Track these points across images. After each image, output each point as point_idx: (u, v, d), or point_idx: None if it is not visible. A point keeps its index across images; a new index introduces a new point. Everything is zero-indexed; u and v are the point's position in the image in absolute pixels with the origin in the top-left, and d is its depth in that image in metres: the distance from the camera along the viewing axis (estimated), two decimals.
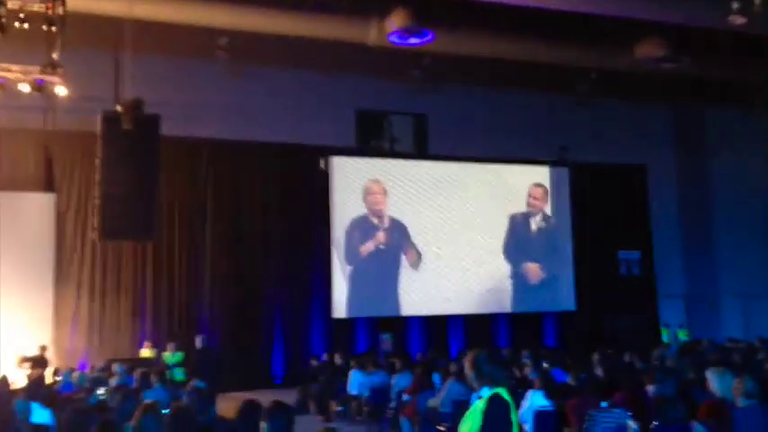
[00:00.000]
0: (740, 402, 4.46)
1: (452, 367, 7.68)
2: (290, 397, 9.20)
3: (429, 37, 11.72)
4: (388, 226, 13.28)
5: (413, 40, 11.73)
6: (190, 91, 12.50)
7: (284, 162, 12.99)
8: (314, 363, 11.16)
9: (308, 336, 12.69)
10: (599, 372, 7.58)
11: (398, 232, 13.34)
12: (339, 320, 12.86)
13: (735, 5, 10.76)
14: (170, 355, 10.86)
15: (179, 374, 10.35)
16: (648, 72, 13.45)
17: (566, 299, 14.43)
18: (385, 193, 13.35)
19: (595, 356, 8.47)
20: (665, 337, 14.69)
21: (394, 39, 11.65)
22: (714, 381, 4.70)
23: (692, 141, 16.76)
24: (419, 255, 13.40)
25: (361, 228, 13.14)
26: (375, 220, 13.27)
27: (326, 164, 13.09)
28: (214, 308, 12.31)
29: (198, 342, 10.96)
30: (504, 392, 3.20)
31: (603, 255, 14.94)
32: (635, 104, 15.85)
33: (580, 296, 14.50)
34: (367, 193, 13.29)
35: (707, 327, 15.60)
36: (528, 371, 7.97)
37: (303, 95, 13.47)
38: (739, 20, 10.80)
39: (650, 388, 6.02)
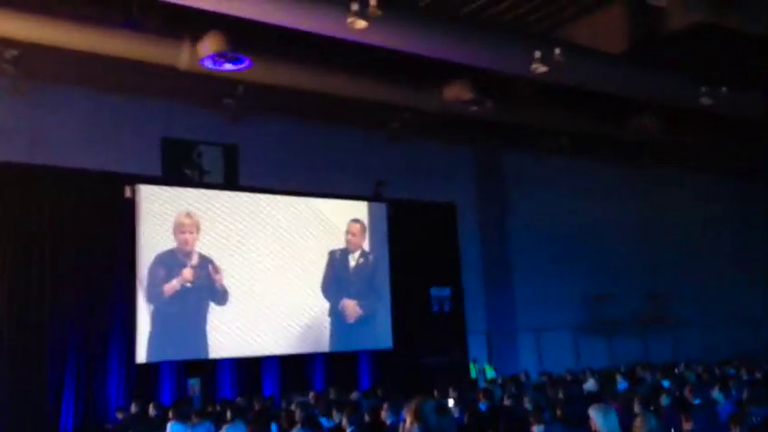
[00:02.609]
0: None
1: (298, 414, 7.04)
2: None
3: (245, 64, 11.25)
4: (196, 263, 12.35)
5: (227, 66, 11.20)
6: None
7: (84, 190, 11.63)
8: (121, 415, 9.82)
9: (106, 384, 11.26)
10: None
11: (207, 269, 12.44)
12: (142, 366, 11.63)
13: (537, 54, 11.44)
14: None
15: None
16: (455, 113, 13.95)
17: (383, 337, 14.24)
18: (198, 227, 12.43)
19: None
20: (472, 372, 15.01)
21: (207, 63, 11.05)
22: (598, 419, 4.47)
23: (492, 182, 17.54)
24: (227, 293, 12.57)
25: (167, 264, 12.08)
26: (182, 256, 12.30)
27: (133, 192, 11.93)
28: None
29: None
30: None
31: (418, 292, 14.99)
32: (443, 144, 16.36)
33: (397, 334, 14.41)
34: (178, 226, 12.28)
35: (507, 361, 16.27)
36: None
37: (105, 119, 12.36)
38: (541, 68, 11.48)
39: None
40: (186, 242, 12.33)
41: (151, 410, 9.31)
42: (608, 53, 12.32)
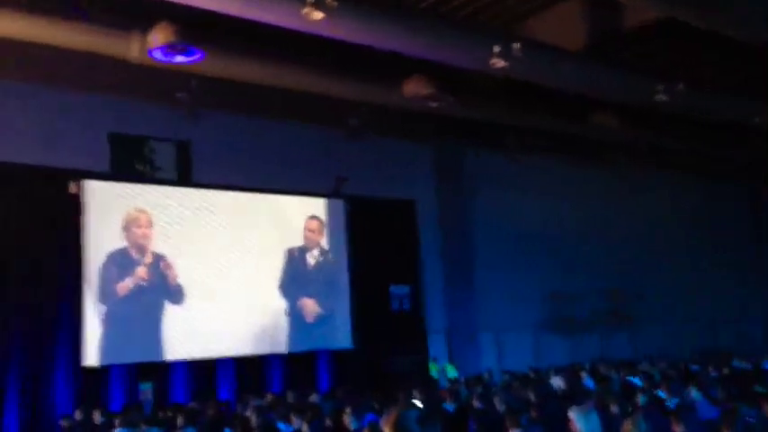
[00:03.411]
0: None
1: (254, 419, 6.73)
2: None
3: (198, 56, 10.84)
4: (150, 261, 11.92)
5: (179, 59, 10.78)
6: None
7: (25, 186, 11.16)
8: (64, 423, 9.31)
9: (50, 389, 10.78)
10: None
11: (161, 267, 12.03)
12: (90, 369, 11.17)
13: (496, 49, 11.29)
14: None
15: None
16: (415, 110, 13.76)
17: (342, 336, 13.98)
18: (150, 223, 11.99)
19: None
20: (433, 372, 14.85)
21: (157, 55, 10.64)
22: (579, 421, 4.26)
23: (453, 179, 17.39)
24: (182, 292, 12.16)
25: (119, 263, 11.64)
26: (136, 254, 11.86)
27: (79, 188, 11.46)
28: None
29: None
30: None
31: (377, 289, 14.79)
32: (403, 141, 16.18)
33: (357, 333, 14.15)
34: (131, 223, 11.86)
35: (468, 360, 16.15)
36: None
37: (52, 114, 11.87)
38: (500, 63, 11.33)
39: None
40: (139, 237, 11.90)
41: (97, 417, 8.89)
42: (567, 49, 12.26)
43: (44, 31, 10.10)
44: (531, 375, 11.39)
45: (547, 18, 12.53)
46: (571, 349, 17.89)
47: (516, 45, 11.16)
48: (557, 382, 10.51)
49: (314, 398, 9.58)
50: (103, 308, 11.41)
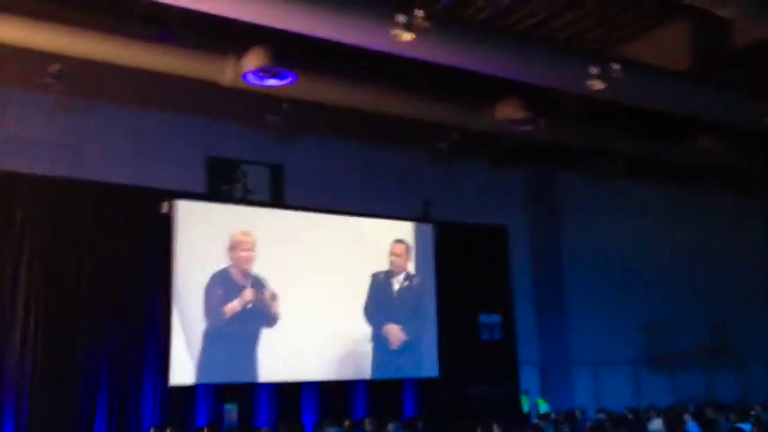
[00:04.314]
0: None
1: None
2: None
3: (289, 79, 10.96)
4: (252, 283, 12.08)
5: (271, 82, 10.93)
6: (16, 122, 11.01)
7: (120, 205, 11.45)
8: None
9: (137, 406, 10.89)
10: None
11: (261, 290, 12.16)
12: (177, 388, 11.26)
13: (593, 70, 10.88)
14: None
15: None
16: (507, 134, 13.46)
17: (429, 365, 13.62)
18: (254, 246, 12.19)
19: None
20: (525, 406, 14.28)
21: (250, 78, 10.80)
22: None
23: (544, 205, 16.91)
24: (277, 314, 12.25)
25: (223, 284, 11.86)
26: (239, 276, 12.05)
27: (170, 208, 11.69)
28: (24, 372, 10.31)
29: None
30: None
31: (466, 318, 14.39)
32: (493, 165, 15.82)
33: (443, 362, 13.78)
34: (237, 245, 12.07)
35: (561, 394, 15.50)
36: None
37: (148, 136, 12.22)
38: (598, 85, 10.91)
39: None
40: (244, 260, 12.10)
41: None
42: (670, 70, 11.70)
43: (143, 57, 10.42)
44: (629, 416, 10.66)
45: (649, 40, 12.03)
46: (671, 386, 16.94)
47: (616, 66, 10.76)
48: (656, 425, 9.78)
49: (390, 427, 9.26)
50: (202, 327, 11.56)
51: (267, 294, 12.19)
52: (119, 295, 11.11)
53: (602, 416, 10.74)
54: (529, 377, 15.31)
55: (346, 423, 10.24)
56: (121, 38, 10.16)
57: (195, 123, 12.70)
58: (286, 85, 11.05)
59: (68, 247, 10.96)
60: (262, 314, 12.17)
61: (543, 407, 14.36)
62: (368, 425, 9.76)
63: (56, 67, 10.38)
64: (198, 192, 12.53)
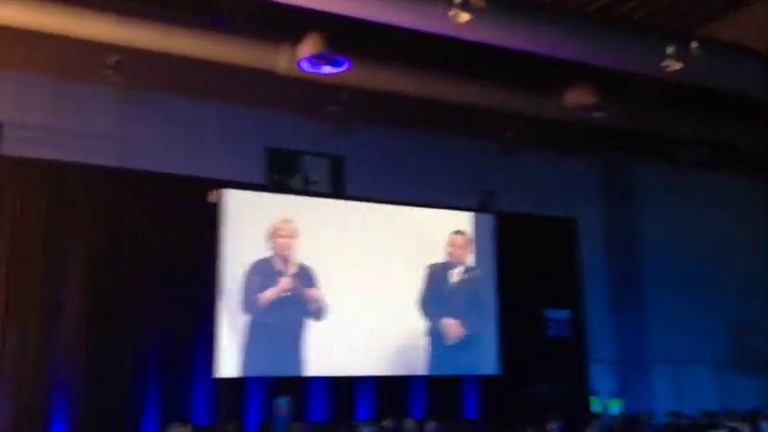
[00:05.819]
0: None
1: None
2: None
3: (345, 66, 10.71)
4: (294, 272, 11.79)
5: (326, 69, 10.69)
6: (71, 114, 11.10)
7: (174, 195, 11.39)
8: None
9: (187, 400, 10.76)
10: None
11: (305, 279, 11.85)
12: (226, 381, 11.11)
13: (670, 50, 10.28)
14: None
15: None
16: (576, 121, 12.89)
17: (487, 361, 13.07)
18: (295, 234, 11.90)
19: None
20: (595, 407, 13.62)
21: (305, 66, 10.59)
22: None
23: (620, 195, 16.06)
24: (325, 307, 11.94)
25: (263, 272, 11.57)
26: (280, 265, 11.78)
27: (218, 197, 11.59)
28: (75, 360, 10.37)
29: None
30: None
31: (530, 313, 13.80)
32: (562, 154, 15.17)
33: (504, 359, 13.24)
34: (275, 233, 11.79)
35: (638, 396, 14.73)
36: None
37: (205, 127, 12.14)
38: (675, 65, 10.34)
39: None
40: (283, 247, 11.82)
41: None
42: (755, 50, 10.89)
43: (198, 46, 10.38)
44: (702, 421, 9.94)
45: (729, 20, 11.29)
46: (759, 390, 15.91)
47: (694, 44, 10.11)
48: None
49: (432, 426, 8.79)
50: (245, 318, 11.35)
51: (310, 283, 11.86)
52: (167, 286, 11.02)
53: (671, 419, 10.08)
54: (601, 376, 14.59)
55: (409, 421, 9.86)
56: (176, 27, 10.14)
57: (253, 114, 12.57)
58: (342, 72, 10.80)
59: (119, 235, 10.95)
60: (305, 305, 11.84)
61: (615, 407, 13.65)
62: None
63: (114, 58, 10.45)
64: (257, 182, 12.40)
